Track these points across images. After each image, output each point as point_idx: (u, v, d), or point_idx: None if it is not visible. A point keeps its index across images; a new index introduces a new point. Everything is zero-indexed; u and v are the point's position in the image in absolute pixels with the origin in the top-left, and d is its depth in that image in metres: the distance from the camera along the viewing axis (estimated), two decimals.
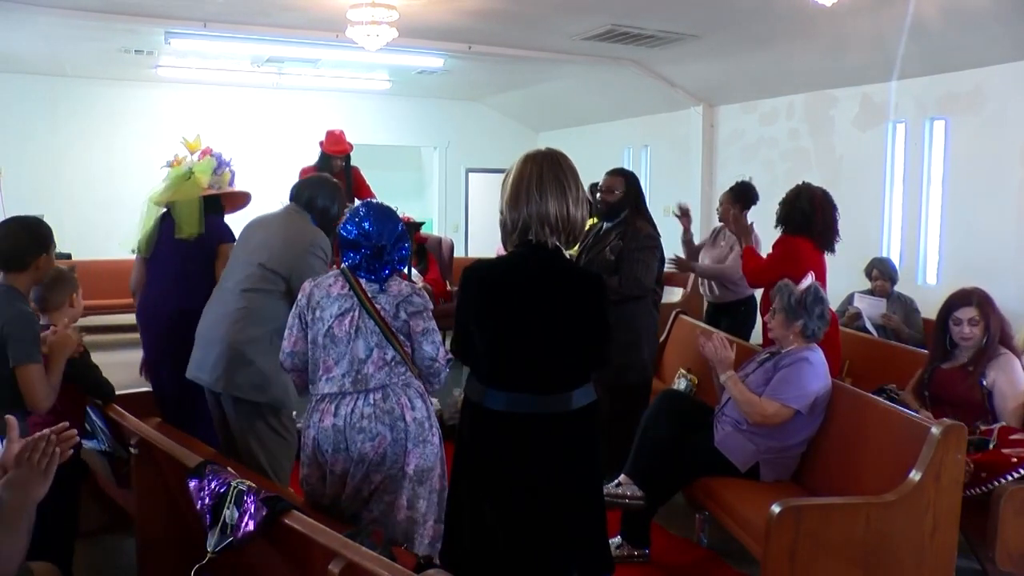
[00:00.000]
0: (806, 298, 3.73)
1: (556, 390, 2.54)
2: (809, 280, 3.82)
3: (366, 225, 3.00)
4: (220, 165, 4.33)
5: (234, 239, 4.13)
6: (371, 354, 2.98)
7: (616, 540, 3.82)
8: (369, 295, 3.01)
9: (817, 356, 3.67)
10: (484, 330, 2.55)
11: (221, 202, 4.35)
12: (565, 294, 2.54)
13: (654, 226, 4.58)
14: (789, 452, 3.61)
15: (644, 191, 4.78)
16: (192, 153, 4.37)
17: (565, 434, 2.56)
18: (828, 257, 4.50)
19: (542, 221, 2.50)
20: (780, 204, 4.56)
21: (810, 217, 4.40)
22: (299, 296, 3.10)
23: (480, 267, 2.61)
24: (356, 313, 2.99)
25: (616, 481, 3.69)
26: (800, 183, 4.64)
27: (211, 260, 4.09)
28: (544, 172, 2.53)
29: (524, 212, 2.51)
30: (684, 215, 5.92)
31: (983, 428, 3.54)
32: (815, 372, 3.61)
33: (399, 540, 3.02)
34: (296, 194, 3.91)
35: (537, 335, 2.51)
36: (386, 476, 3.04)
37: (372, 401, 3.00)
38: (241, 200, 4.50)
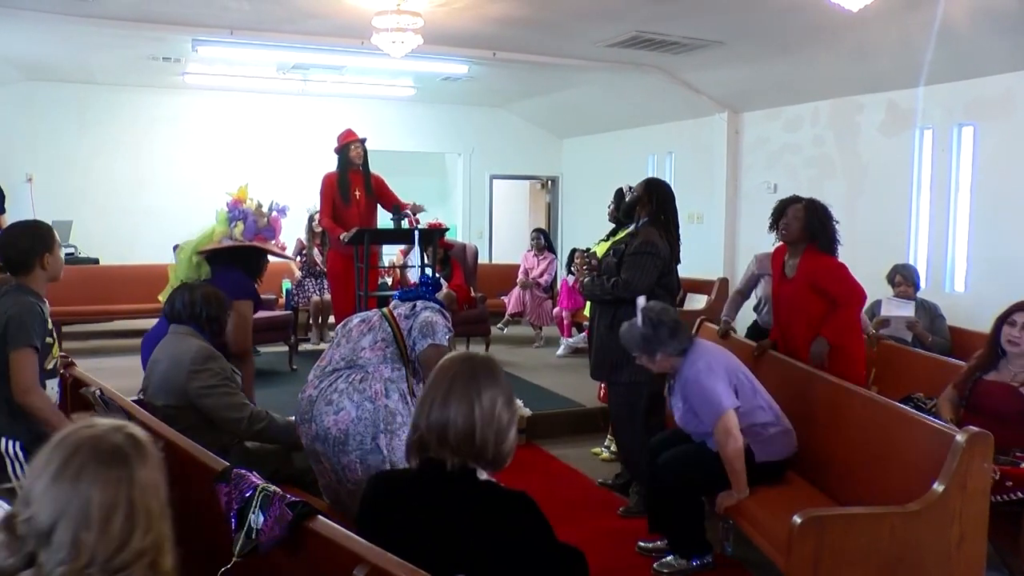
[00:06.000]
0: (645, 332, 3.66)
1: None
2: (640, 302, 3.78)
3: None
4: (234, 218, 4.27)
5: (249, 296, 4.23)
6: (375, 343, 3.40)
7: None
8: (391, 307, 3.58)
9: (697, 359, 3.66)
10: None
11: (247, 257, 4.38)
12: (461, 523, 2.00)
13: (676, 238, 4.49)
14: (766, 430, 3.66)
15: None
16: (240, 202, 4.37)
17: None
18: (853, 265, 4.46)
19: (440, 435, 2.02)
20: (810, 220, 4.36)
21: (832, 231, 4.41)
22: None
23: (382, 475, 2.34)
24: (376, 319, 3.51)
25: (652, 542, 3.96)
26: (807, 200, 4.52)
27: None
28: (455, 378, 2.07)
29: (423, 422, 2.06)
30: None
31: (1017, 454, 3.49)
32: (708, 372, 3.60)
33: None
34: (170, 311, 3.68)
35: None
36: (357, 459, 3.23)
37: (350, 379, 3.31)
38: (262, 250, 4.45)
